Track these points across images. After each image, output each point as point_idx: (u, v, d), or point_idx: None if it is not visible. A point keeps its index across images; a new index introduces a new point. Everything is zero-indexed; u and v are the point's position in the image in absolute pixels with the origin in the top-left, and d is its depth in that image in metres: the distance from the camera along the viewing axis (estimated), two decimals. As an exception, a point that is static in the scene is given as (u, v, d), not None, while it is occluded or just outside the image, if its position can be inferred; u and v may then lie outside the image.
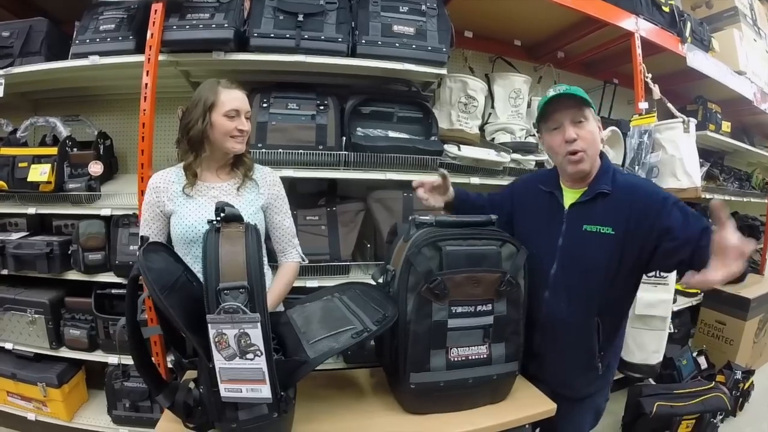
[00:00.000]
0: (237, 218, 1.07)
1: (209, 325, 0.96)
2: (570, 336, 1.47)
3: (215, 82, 1.61)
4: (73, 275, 2.44)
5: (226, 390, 0.99)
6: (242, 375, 0.97)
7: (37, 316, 2.46)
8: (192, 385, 1.15)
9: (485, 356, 1.30)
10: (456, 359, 1.27)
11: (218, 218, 1.07)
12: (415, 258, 1.21)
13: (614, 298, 1.46)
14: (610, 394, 2.94)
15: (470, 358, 1.28)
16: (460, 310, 1.25)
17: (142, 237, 1.25)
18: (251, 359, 0.96)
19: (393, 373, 1.31)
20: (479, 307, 1.28)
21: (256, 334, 0.95)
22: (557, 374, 1.49)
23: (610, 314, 1.47)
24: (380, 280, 1.39)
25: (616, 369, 1.64)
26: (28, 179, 2.34)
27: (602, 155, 1.53)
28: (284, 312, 1.40)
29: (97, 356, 2.46)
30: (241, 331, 0.95)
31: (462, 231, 1.30)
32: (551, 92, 1.45)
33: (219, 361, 0.97)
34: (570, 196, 1.50)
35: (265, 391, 0.98)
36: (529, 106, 2.87)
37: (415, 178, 2.30)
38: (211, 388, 1.02)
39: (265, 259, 1.81)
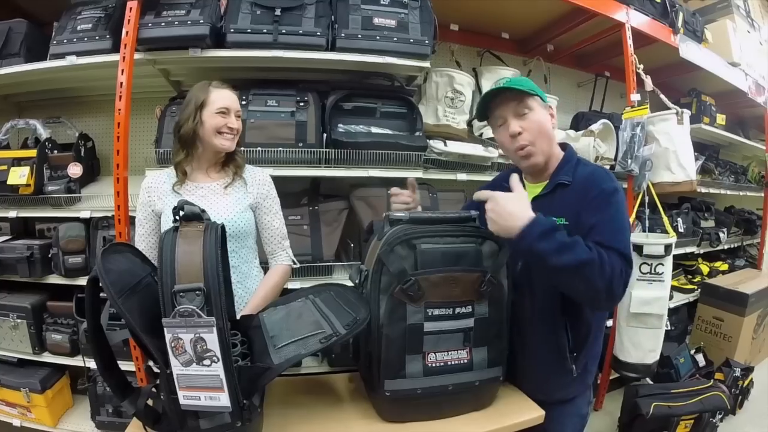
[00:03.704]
0: (197, 217, 1.02)
1: (165, 329, 0.90)
2: (537, 336, 1.41)
3: (207, 83, 1.65)
4: (54, 279, 2.41)
5: (184, 397, 0.94)
6: (199, 382, 0.92)
7: (19, 320, 2.43)
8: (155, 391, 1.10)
9: (466, 361, 1.23)
10: (434, 365, 1.20)
11: (176, 217, 1.02)
12: (387, 257, 1.15)
13: None
14: (606, 394, 2.98)
15: (449, 363, 1.21)
16: (437, 312, 1.18)
17: (104, 238, 1.20)
18: (208, 365, 0.91)
19: (368, 380, 1.25)
20: (458, 309, 1.20)
21: (212, 339, 0.90)
22: (529, 377, 1.42)
23: (577, 314, 1.39)
24: (356, 281, 1.34)
25: (595, 372, 1.56)
26: (8, 182, 2.32)
27: (566, 145, 1.49)
28: (257, 315, 1.34)
29: (79, 361, 2.41)
30: (197, 335, 0.90)
31: (438, 228, 1.23)
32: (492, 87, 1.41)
33: (176, 366, 0.92)
34: (533, 191, 1.45)
35: (223, 399, 0.93)
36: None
37: (398, 174, 2.30)
38: (170, 395, 0.96)
39: (257, 261, 1.81)
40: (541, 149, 1.38)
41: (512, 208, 1.20)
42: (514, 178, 1.28)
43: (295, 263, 1.83)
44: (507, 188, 1.51)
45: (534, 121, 1.37)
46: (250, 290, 1.71)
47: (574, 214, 1.32)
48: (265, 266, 1.83)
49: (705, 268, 3.86)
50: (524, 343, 1.41)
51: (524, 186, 1.46)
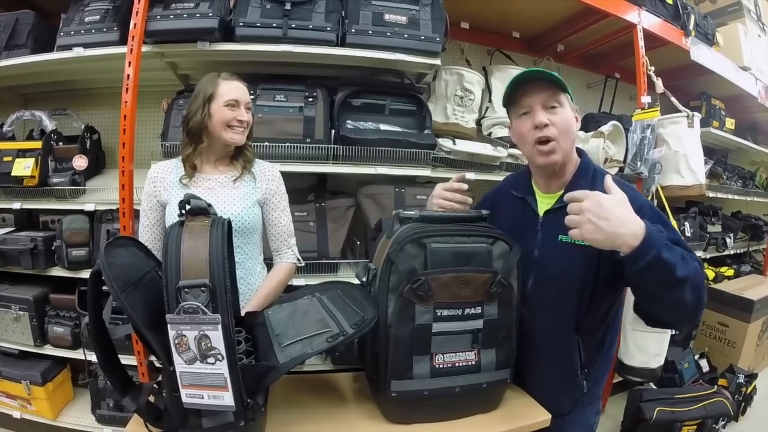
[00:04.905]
0: (203, 211, 1.00)
1: (169, 326, 0.89)
2: (548, 353, 1.36)
3: (215, 75, 1.62)
4: (57, 271, 2.40)
5: (187, 395, 0.92)
6: (203, 380, 0.90)
7: (21, 312, 2.43)
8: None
9: (474, 363, 1.20)
10: (441, 366, 1.18)
11: (182, 211, 1.00)
12: (397, 256, 1.13)
13: (594, 316, 1.33)
14: (609, 398, 2.95)
15: (457, 365, 1.19)
16: (446, 313, 1.16)
17: (108, 231, 1.18)
18: (212, 364, 0.89)
19: (374, 380, 1.23)
20: (467, 310, 1.18)
21: (216, 337, 0.88)
22: (538, 390, 1.38)
23: (590, 332, 1.34)
24: (364, 279, 1.31)
25: (604, 383, 1.51)
26: (12, 173, 2.31)
27: (581, 153, 1.40)
28: (261, 312, 1.33)
29: (81, 354, 2.41)
30: (201, 333, 0.88)
31: (449, 227, 1.20)
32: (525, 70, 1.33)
33: (179, 364, 0.90)
34: (544, 202, 1.38)
35: (227, 399, 0.91)
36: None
37: (407, 172, 2.28)
38: (173, 393, 0.95)
39: (262, 257, 1.80)
40: (564, 148, 1.29)
41: (622, 213, 1.02)
42: (609, 179, 1.10)
43: (300, 262, 1.80)
44: (515, 196, 1.45)
45: (563, 117, 1.27)
46: (253, 287, 1.69)
47: None
48: (269, 262, 1.81)
49: (710, 273, 3.83)
50: (534, 358, 1.37)
51: (535, 196, 1.41)
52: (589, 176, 1.33)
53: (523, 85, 1.30)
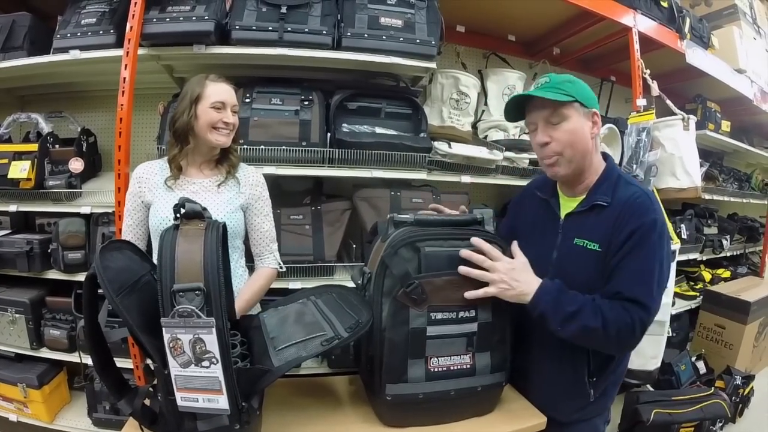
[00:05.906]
0: (198, 215, 1.01)
1: (164, 329, 0.89)
2: (555, 357, 1.35)
3: (203, 76, 1.62)
4: (53, 274, 2.39)
5: (182, 399, 0.92)
6: (198, 384, 0.90)
7: (17, 315, 2.41)
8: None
9: (468, 366, 1.21)
10: (436, 370, 1.18)
11: (177, 214, 1.00)
12: (391, 260, 1.13)
13: None
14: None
15: (452, 368, 1.20)
16: (440, 316, 1.17)
17: (104, 234, 1.18)
18: (207, 367, 0.89)
19: (369, 383, 1.23)
20: (462, 314, 1.19)
21: (211, 341, 0.88)
22: (542, 394, 1.37)
23: None
24: (359, 283, 1.32)
25: (614, 397, 1.48)
26: (9, 176, 2.29)
27: (607, 157, 1.40)
28: (257, 315, 1.33)
29: (77, 357, 2.38)
30: (196, 336, 0.88)
31: (443, 231, 1.21)
32: (531, 88, 1.36)
33: (174, 367, 0.91)
34: (567, 205, 1.38)
35: (222, 402, 0.91)
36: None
37: (402, 176, 2.28)
38: (168, 396, 0.95)
39: (243, 261, 1.79)
40: (569, 160, 1.30)
41: (526, 277, 1.23)
42: (515, 246, 1.30)
43: (281, 267, 1.81)
44: (539, 197, 1.46)
45: (566, 131, 1.27)
46: (235, 290, 1.68)
47: (607, 241, 1.25)
48: (250, 266, 1.81)
49: (707, 275, 3.83)
50: (540, 360, 1.37)
51: (558, 197, 1.41)
52: (612, 181, 1.33)
53: (529, 101, 1.32)
